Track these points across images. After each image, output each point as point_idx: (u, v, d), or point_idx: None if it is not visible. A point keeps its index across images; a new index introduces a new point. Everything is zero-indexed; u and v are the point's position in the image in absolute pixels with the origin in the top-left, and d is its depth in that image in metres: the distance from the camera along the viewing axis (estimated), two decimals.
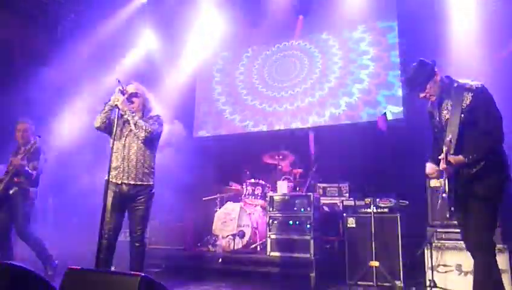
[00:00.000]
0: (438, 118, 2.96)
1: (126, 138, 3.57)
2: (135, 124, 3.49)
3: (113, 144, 3.41)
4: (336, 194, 5.85)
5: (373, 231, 4.53)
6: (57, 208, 6.41)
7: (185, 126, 7.42)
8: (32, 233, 4.57)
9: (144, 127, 3.50)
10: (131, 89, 3.68)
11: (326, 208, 5.63)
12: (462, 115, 2.75)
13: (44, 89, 6.13)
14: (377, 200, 4.73)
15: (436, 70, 2.95)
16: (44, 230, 6.06)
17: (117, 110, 3.46)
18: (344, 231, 4.90)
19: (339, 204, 5.66)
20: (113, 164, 3.52)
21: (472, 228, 2.76)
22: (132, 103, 3.63)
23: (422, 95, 2.96)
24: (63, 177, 6.49)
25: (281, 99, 7.26)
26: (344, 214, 4.91)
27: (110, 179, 3.49)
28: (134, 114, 3.53)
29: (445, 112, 2.90)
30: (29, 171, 4.50)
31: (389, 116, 5.23)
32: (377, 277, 4.44)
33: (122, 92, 3.51)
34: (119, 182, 3.49)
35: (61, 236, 6.23)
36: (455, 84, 2.89)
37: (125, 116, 3.51)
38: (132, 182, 3.51)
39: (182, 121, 7.29)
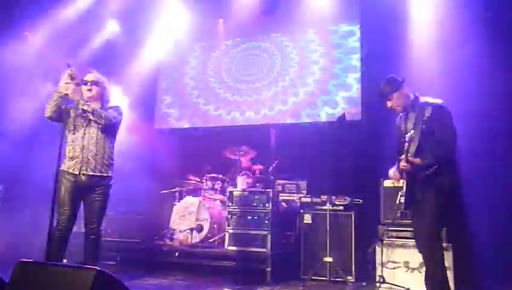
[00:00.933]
0: (404, 130, 3.30)
1: (85, 127, 3.47)
2: (93, 113, 3.38)
3: (68, 133, 3.30)
4: (294, 191, 5.96)
5: (328, 228, 4.66)
6: (8, 197, 6.09)
7: (146, 117, 7.33)
8: None
9: (102, 115, 3.41)
10: (90, 77, 3.56)
11: (284, 204, 5.72)
12: (423, 126, 3.12)
13: None
14: (333, 197, 4.86)
15: (404, 85, 3.34)
16: None
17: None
18: (300, 227, 5.00)
19: (296, 201, 5.76)
20: (70, 154, 3.42)
21: (425, 218, 3.11)
22: (91, 91, 3.52)
23: (389, 104, 3.34)
24: (14, 165, 6.23)
25: (244, 94, 7.26)
26: (301, 211, 5.01)
27: (67, 169, 3.39)
28: (89, 102, 3.41)
29: (409, 123, 3.27)
30: None
31: (347, 117, 5.35)
32: (330, 272, 4.58)
33: (72, 78, 3.33)
34: (77, 172, 3.40)
35: (11, 226, 6.00)
36: (421, 100, 3.28)
37: (80, 106, 3.38)
38: (91, 173, 3.43)
39: (143, 112, 7.18)
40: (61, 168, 3.39)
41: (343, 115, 4.97)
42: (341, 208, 4.85)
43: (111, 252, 5.40)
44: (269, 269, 4.75)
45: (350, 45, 6.78)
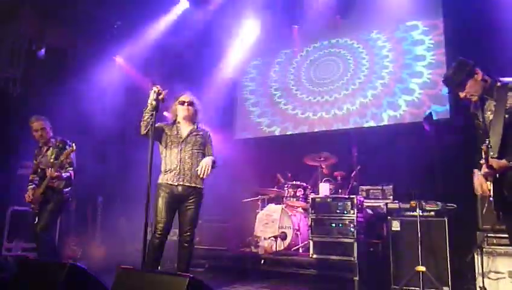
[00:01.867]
0: (481, 120, 2.87)
1: (180, 144, 3.69)
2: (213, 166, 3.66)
3: (163, 148, 3.52)
4: (380, 197, 5.73)
5: (419, 235, 4.40)
6: (106, 207, 6.64)
7: (226, 128, 7.57)
8: (48, 239, 4.33)
9: (216, 164, 3.71)
10: (187, 98, 3.81)
11: (369, 211, 5.53)
12: (506, 116, 2.66)
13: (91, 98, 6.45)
14: (423, 203, 4.59)
15: (477, 69, 2.86)
16: (92, 227, 6.44)
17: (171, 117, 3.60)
18: (388, 234, 4.79)
19: (382, 207, 5.53)
20: (168, 167, 3.65)
21: None
22: (187, 110, 3.77)
23: (462, 94, 2.88)
24: (110, 178, 6.79)
25: (321, 100, 7.18)
26: (388, 217, 4.80)
27: (165, 181, 3.62)
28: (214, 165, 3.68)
29: (488, 113, 2.82)
30: (66, 175, 4.34)
31: (434, 116, 5.05)
32: (423, 283, 4.31)
33: (158, 95, 3.47)
34: (175, 183, 3.60)
35: (109, 235, 6.53)
36: (498, 84, 2.79)
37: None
38: (187, 184, 3.62)
39: (222, 123, 7.42)
40: (159, 181, 3.64)
41: (430, 114, 4.70)
42: (432, 213, 4.56)
43: (199, 259, 5.63)
44: (357, 278, 4.61)
45: (432, 41, 6.42)
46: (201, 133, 3.80)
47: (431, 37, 6.47)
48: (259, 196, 6.26)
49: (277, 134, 7.43)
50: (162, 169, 3.67)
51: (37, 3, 6.46)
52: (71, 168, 4.42)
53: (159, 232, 3.50)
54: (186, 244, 3.59)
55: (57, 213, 4.43)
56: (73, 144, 4.33)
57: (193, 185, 3.64)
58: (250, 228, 5.90)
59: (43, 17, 6.71)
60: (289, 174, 6.16)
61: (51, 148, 4.43)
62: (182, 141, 3.69)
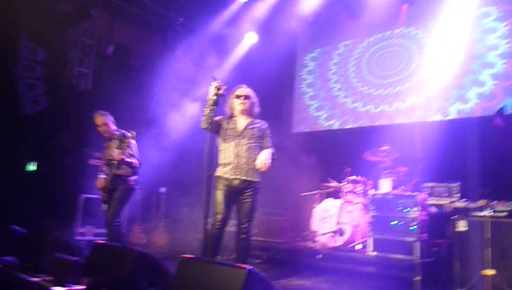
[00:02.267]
0: None
1: (237, 138, 3.75)
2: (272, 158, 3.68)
3: (221, 142, 3.59)
4: (445, 195, 5.46)
5: (489, 237, 4.16)
6: (169, 197, 6.92)
7: (283, 122, 7.57)
8: (117, 225, 4.51)
9: (274, 155, 3.72)
10: (243, 92, 3.84)
11: (434, 209, 5.30)
12: None
13: (156, 92, 6.74)
14: (494, 202, 4.33)
15: None
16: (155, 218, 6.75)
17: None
18: (454, 234, 4.57)
19: (448, 205, 5.28)
20: (225, 161, 3.72)
21: None
22: (244, 104, 3.81)
23: None
24: (173, 168, 7.07)
25: (382, 93, 6.97)
26: (455, 216, 4.58)
27: (222, 175, 3.70)
28: (274, 156, 3.71)
29: None
30: (130, 160, 4.55)
31: (508, 110, 4.72)
32: (493, 287, 4.08)
33: (218, 90, 3.57)
34: (232, 177, 3.68)
35: (172, 224, 6.82)
36: None
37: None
38: (243, 178, 3.68)
39: (280, 117, 7.45)
40: (216, 173, 3.72)
41: (503, 107, 4.40)
42: (505, 214, 4.28)
43: (257, 251, 5.72)
44: (419, 278, 4.45)
45: (507, 28, 5.97)
46: (257, 126, 3.83)
47: (506, 23, 6.02)
48: (317, 191, 6.22)
49: (336, 128, 7.34)
50: (220, 162, 3.74)
51: (106, 3, 6.84)
52: (134, 159, 4.63)
53: (218, 224, 3.59)
54: (243, 236, 3.67)
55: (124, 200, 4.64)
56: (134, 132, 4.55)
57: (249, 178, 3.69)
58: (307, 222, 5.89)
59: (110, 16, 7.11)
60: (348, 169, 6.05)
61: (114, 140, 4.64)
62: (239, 135, 3.74)
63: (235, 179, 3.67)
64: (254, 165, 3.69)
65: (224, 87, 3.59)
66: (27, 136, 5.98)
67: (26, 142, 5.99)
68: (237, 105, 3.82)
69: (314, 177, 6.48)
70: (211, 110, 3.60)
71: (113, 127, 4.78)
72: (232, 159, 3.70)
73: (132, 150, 4.64)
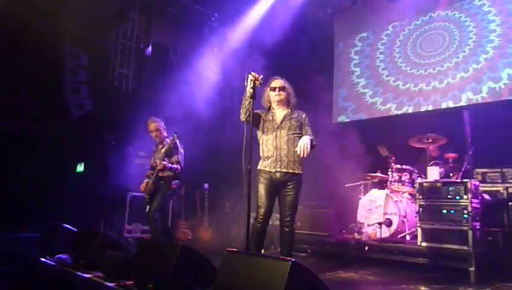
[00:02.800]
0: None
1: (276, 129, 3.75)
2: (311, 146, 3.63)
3: (261, 135, 3.60)
4: (499, 181, 5.20)
5: None
6: (212, 193, 7.06)
7: (324, 112, 7.48)
8: (158, 223, 4.71)
9: (314, 142, 3.68)
10: (278, 84, 3.84)
11: (486, 196, 5.07)
12: None
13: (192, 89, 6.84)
14: None
15: None
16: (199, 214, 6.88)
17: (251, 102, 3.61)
18: (510, 222, 4.35)
19: (502, 191, 5.03)
20: (265, 154, 3.75)
21: None
22: (279, 96, 3.81)
23: None
24: (215, 164, 7.17)
25: (428, 76, 6.72)
26: (510, 203, 4.35)
27: (263, 168, 3.72)
28: (314, 143, 3.67)
29: None
30: (172, 166, 4.79)
31: None
32: None
33: (255, 83, 3.59)
34: (273, 170, 3.69)
35: (216, 219, 6.94)
36: None
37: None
38: (284, 170, 3.69)
39: (320, 107, 7.35)
40: (258, 167, 3.75)
41: None
42: None
43: (302, 245, 5.72)
44: (473, 269, 4.27)
45: None
46: (295, 116, 3.81)
47: None
48: (362, 181, 6.13)
49: (380, 108, 7.19)
50: (261, 155, 3.76)
51: (143, 4, 7.02)
52: (177, 165, 4.82)
53: (261, 217, 3.62)
54: (286, 229, 3.67)
55: (164, 199, 4.82)
56: (175, 135, 4.70)
57: (290, 171, 3.69)
58: (353, 214, 5.83)
59: (148, 16, 7.29)
60: (393, 157, 5.90)
61: (165, 146, 4.84)
62: (277, 127, 3.75)
63: (276, 171, 3.68)
64: (295, 157, 3.67)
65: (260, 78, 3.61)
66: (74, 139, 6.26)
67: (73, 144, 6.27)
68: (273, 97, 3.83)
69: (358, 168, 6.36)
70: (249, 102, 3.63)
71: (165, 133, 5.00)
72: (272, 152, 3.71)
73: (180, 157, 4.85)
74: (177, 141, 4.82)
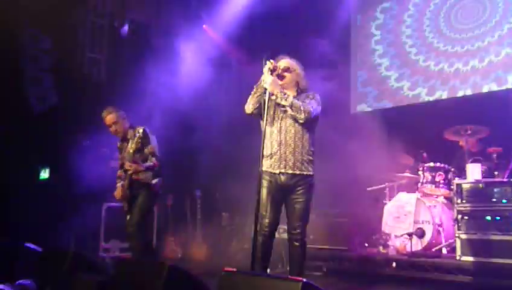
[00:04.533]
0: None
1: (281, 120, 3.72)
2: (291, 106, 3.60)
3: (265, 129, 3.56)
4: None
5: None
6: (206, 201, 7.07)
7: (340, 100, 7.43)
8: (141, 238, 4.61)
9: (302, 108, 3.59)
10: (282, 64, 3.78)
11: None
12: None
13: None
14: None
15: None
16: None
17: (267, 92, 3.56)
18: None
19: None
20: (268, 151, 3.69)
21: None
22: (283, 79, 3.75)
23: None
24: (208, 166, 7.14)
25: (465, 54, 6.70)
26: None
27: (266, 169, 3.68)
28: (286, 95, 3.63)
29: None
30: (147, 164, 4.63)
31: None
32: None
33: (272, 70, 3.60)
34: (276, 171, 3.66)
35: (211, 232, 6.93)
36: None
37: (277, 100, 3.62)
38: (290, 172, 3.64)
39: (335, 94, 7.31)
40: (261, 167, 3.63)
41: None
42: None
43: (316, 262, 5.71)
44: None
45: None
46: (303, 100, 3.74)
47: None
48: (387, 183, 6.14)
49: (408, 102, 7.18)
50: (264, 153, 3.65)
51: None
52: (154, 158, 4.68)
53: (265, 229, 3.59)
54: (296, 244, 3.64)
55: (146, 208, 4.73)
56: (140, 129, 4.52)
57: (298, 172, 3.65)
58: (377, 223, 5.84)
59: None
60: (424, 154, 5.89)
61: (130, 141, 4.68)
62: (282, 117, 3.70)
63: (281, 173, 3.65)
64: (304, 154, 3.66)
65: (280, 67, 3.64)
66: (36, 139, 6.23)
67: (35, 146, 6.25)
68: (277, 79, 3.75)
69: (382, 167, 6.33)
70: (260, 94, 3.64)
71: (126, 124, 4.85)
72: (276, 148, 3.67)
73: (153, 146, 4.69)
74: (146, 129, 4.67)
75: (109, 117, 4.79)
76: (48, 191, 6.30)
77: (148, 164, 4.63)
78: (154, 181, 4.71)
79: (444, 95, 6.81)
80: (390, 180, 6.18)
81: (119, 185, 4.82)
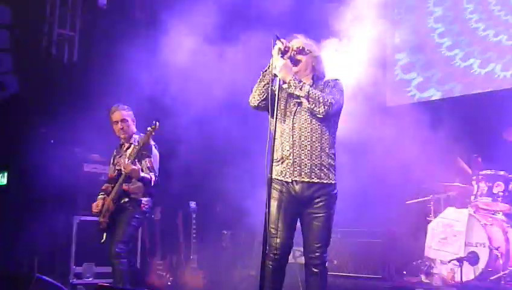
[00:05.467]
0: None
1: (294, 115, 3.69)
2: (308, 97, 3.57)
3: (274, 126, 3.55)
4: None
5: None
6: (202, 216, 7.06)
7: (376, 88, 7.39)
8: (125, 262, 4.71)
9: (321, 99, 3.56)
10: (295, 44, 3.75)
11: None
12: None
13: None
14: None
15: None
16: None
17: (277, 80, 3.56)
18: None
19: None
20: (278, 154, 3.67)
21: None
22: (297, 63, 3.73)
23: None
24: (206, 174, 7.13)
25: None
26: None
27: (277, 176, 3.65)
28: (302, 83, 3.61)
29: None
30: (146, 176, 4.78)
31: None
32: None
33: (284, 52, 3.59)
34: (289, 179, 3.63)
35: (209, 255, 6.93)
36: None
37: (290, 90, 3.61)
38: (306, 179, 3.61)
39: (368, 84, 7.28)
40: (271, 174, 3.54)
41: None
42: None
43: None
44: None
45: None
46: (321, 88, 3.73)
47: None
48: (432, 195, 6.13)
49: (456, 94, 7.15)
50: (273, 156, 3.62)
51: None
52: (152, 173, 4.83)
53: (275, 252, 3.58)
54: (315, 270, 3.62)
55: (133, 226, 4.85)
56: (157, 123, 4.67)
57: (316, 180, 3.61)
58: (418, 245, 5.85)
59: None
60: (478, 159, 5.86)
61: (132, 146, 4.84)
62: (295, 111, 3.68)
63: (294, 182, 3.63)
64: (323, 157, 3.64)
65: (293, 48, 3.64)
66: None
67: None
68: (289, 64, 3.72)
69: (425, 174, 6.34)
70: (268, 82, 3.64)
71: (134, 128, 5.07)
72: (288, 150, 3.64)
73: (153, 163, 4.87)
74: (155, 151, 4.89)
75: (117, 114, 5.00)
76: (4, 199, 6.36)
77: (145, 175, 4.77)
78: (144, 199, 4.89)
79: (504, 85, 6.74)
80: (435, 191, 6.18)
81: (100, 197, 4.96)
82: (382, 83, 7.71)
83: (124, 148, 5.00)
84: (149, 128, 4.69)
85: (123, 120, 4.97)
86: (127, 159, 4.73)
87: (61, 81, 6.90)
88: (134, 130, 5.06)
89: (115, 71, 6.63)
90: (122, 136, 5.03)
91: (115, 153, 5.13)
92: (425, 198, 6.18)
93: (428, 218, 5.96)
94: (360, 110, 5.95)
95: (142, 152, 4.77)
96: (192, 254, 6.82)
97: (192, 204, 6.94)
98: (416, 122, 6.64)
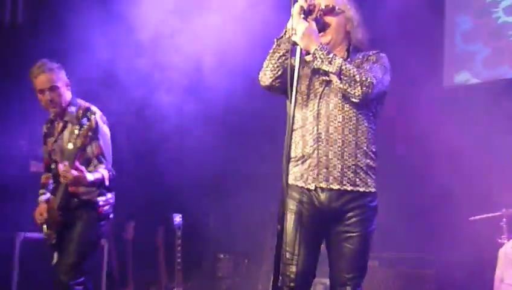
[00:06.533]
0: None
1: (320, 99, 3.62)
2: (339, 74, 3.49)
3: (293, 113, 3.44)
4: None
5: None
6: (189, 233, 7.00)
7: (428, 68, 7.39)
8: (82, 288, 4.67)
9: (357, 78, 3.48)
10: (324, 1, 3.70)
11: None
12: None
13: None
14: None
15: None
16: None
17: (298, 49, 3.48)
18: None
19: None
20: (298, 151, 3.63)
21: None
22: (325, 27, 3.67)
23: None
24: (194, 176, 7.07)
25: None
26: None
27: (294, 181, 3.60)
28: (332, 55, 3.53)
29: None
30: (97, 176, 4.60)
31: None
32: None
33: (307, 13, 3.51)
34: (312, 186, 3.56)
35: (199, 285, 6.89)
36: None
37: (316, 64, 3.53)
38: (336, 187, 3.53)
39: (423, 60, 7.24)
40: (285, 179, 3.50)
41: None
42: None
43: None
44: None
45: None
46: (359, 62, 3.67)
47: None
48: (505, 210, 6.04)
49: None
50: (291, 154, 3.62)
51: None
52: (102, 164, 4.68)
53: (290, 284, 3.52)
54: None
55: (91, 243, 4.78)
56: (93, 115, 4.45)
57: (349, 187, 3.54)
58: (486, 275, 5.96)
59: None
60: None
61: (69, 125, 4.70)
62: (321, 94, 3.62)
63: (319, 189, 3.55)
64: (359, 157, 3.54)
65: (319, 7, 3.55)
66: None
67: None
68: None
69: (495, 182, 6.40)
70: (284, 54, 3.55)
71: (68, 95, 4.82)
72: (312, 146, 3.57)
73: (103, 147, 4.70)
74: (104, 127, 4.72)
75: (43, 77, 4.69)
76: None
77: (95, 176, 4.57)
78: (101, 199, 4.75)
79: None
80: (509, 205, 6.09)
81: (42, 199, 4.87)
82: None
83: (58, 128, 4.80)
84: (90, 119, 4.42)
85: (52, 88, 4.69)
86: (64, 153, 4.54)
87: (1, 46, 7.03)
88: (68, 98, 4.80)
89: (68, 37, 6.68)
90: (52, 110, 4.76)
91: (45, 130, 4.94)
92: (496, 213, 6.08)
93: (499, 240, 5.89)
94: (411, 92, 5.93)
95: (89, 135, 4.46)
96: (176, 285, 6.81)
97: (177, 217, 6.89)
98: (482, 108, 6.72)
